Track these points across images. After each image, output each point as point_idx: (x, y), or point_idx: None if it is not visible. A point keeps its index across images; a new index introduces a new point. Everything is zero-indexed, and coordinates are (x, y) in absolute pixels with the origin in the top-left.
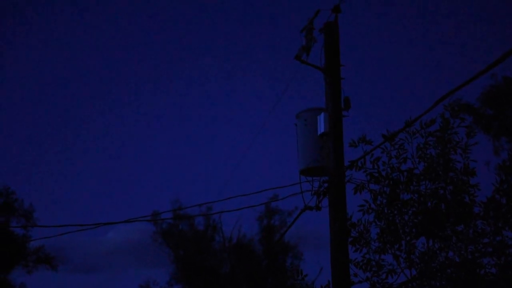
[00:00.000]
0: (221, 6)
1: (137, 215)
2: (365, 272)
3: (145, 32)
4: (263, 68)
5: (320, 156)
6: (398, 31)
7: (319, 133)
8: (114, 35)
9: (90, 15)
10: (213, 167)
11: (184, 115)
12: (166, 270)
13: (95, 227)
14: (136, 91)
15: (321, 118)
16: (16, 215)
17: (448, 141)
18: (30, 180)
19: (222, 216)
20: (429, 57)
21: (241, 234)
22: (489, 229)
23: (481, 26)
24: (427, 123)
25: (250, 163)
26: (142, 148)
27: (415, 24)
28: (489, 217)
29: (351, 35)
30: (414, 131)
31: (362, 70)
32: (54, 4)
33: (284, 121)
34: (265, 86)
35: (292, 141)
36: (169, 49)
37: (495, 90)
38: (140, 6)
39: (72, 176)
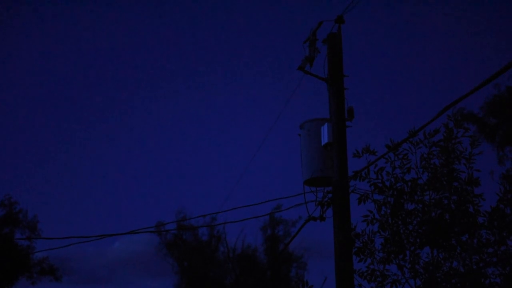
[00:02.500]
0: (225, 16)
1: (142, 226)
2: (369, 282)
3: (150, 43)
4: (266, 79)
5: (324, 167)
6: (402, 41)
7: (323, 143)
8: (120, 42)
9: (95, 16)
10: (217, 177)
11: (188, 126)
12: (170, 281)
13: (99, 239)
14: (140, 103)
15: (324, 129)
16: (20, 226)
17: (452, 151)
18: (34, 191)
19: (226, 226)
20: (433, 67)
21: (245, 245)
22: (494, 239)
23: (486, 33)
24: (431, 133)
25: (254, 174)
26: (146, 159)
27: (419, 34)
28: (494, 227)
29: (354, 46)
30: (418, 141)
31: (366, 81)
32: (56, 5)
33: (287, 131)
34: (269, 96)
35: (296, 152)
36: (174, 60)
37: (498, 100)
38: (148, 13)
39: (77, 186)
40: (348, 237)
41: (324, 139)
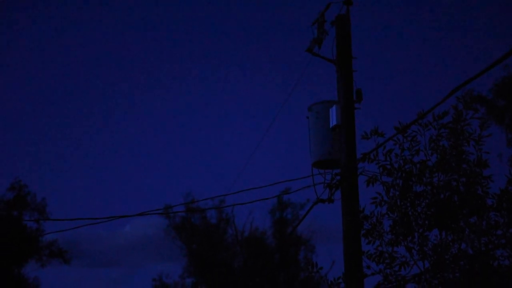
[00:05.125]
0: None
1: (151, 209)
2: (378, 264)
3: (157, 26)
4: (274, 61)
5: (332, 149)
6: (411, 22)
7: (331, 125)
8: (125, 30)
9: (96, 15)
10: (225, 160)
11: (196, 108)
12: (179, 264)
13: (107, 221)
14: (148, 85)
15: (333, 111)
16: (29, 209)
17: (461, 133)
18: (43, 175)
19: (234, 209)
20: (442, 49)
21: (253, 227)
22: (503, 220)
23: (497, 13)
24: (440, 115)
25: (262, 156)
26: (154, 141)
27: (428, 15)
28: (502, 209)
29: (362, 27)
30: (427, 123)
31: (374, 62)
32: (57, 5)
33: (296, 114)
34: (277, 78)
35: (304, 134)
36: (181, 42)
37: (508, 81)
38: (149, 4)
39: (86, 170)
40: (356, 219)
41: (333, 121)
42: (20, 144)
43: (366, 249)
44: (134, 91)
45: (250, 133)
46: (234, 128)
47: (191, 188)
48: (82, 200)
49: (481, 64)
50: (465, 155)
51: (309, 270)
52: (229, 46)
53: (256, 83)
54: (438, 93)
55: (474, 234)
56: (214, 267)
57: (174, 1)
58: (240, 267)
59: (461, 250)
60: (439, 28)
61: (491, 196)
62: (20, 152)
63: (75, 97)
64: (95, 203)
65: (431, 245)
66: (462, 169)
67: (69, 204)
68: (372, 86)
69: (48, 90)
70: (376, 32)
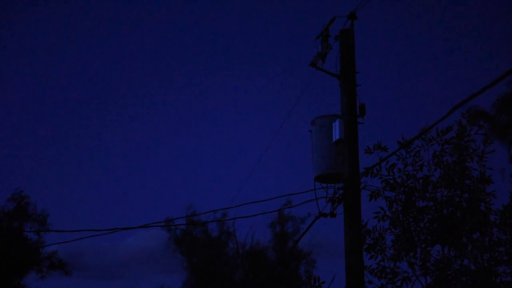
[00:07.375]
0: (236, 12)
1: (153, 222)
2: (380, 279)
3: (162, 38)
4: (278, 75)
5: (335, 163)
6: (414, 37)
7: (334, 139)
8: (132, 34)
9: (96, 16)
10: (227, 173)
11: (198, 122)
12: (180, 277)
13: (109, 233)
14: (150, 98)
15: (336, 125)
16: (30, 220)
17: (464, 149)
18: (45, 186)
19: (235, 222)
20: (445, 64)
21: (254, 241)
22: (505, 237)
23: (500, 29)
24: (444, 130)
25: (264, 170)
26: (156, 154)
27: (431, 30)
28: (505, 225)
29: (366, 42)
30: (430, 138)
31: (378, 77)
32: (55, 6)
33: (299, 127)
34: (280, 92)
35: (307, 148)
36: (184, 55)
37: (510, 97)
38: (153, 6)
39: (87, 182)
40: (358, 233)
41: (336, 135)
42: (21, 155)
43: (368, 264)
44: (135, 103)
45: (253, 146)
46: (236, 142)
47: (192, 201)
48: (83, 211)
49: (485, 78)
50: (468, 171)
51: (310, 284)
52: (233, 59)
53: (259, 96)
54: (441, 108)
55: (476, 250)
56: (214, 280)
57: (181, 14)
58: (241, 281)
59: (464, 266)
60: (443, 43)
61: (494, 212)
62: (21, 163)
63: (77, 108)
64: (96, 215)
65: (433, 260)
66: (465, 185)
67: (71, 215)
68: (376, 101)
69: (49, 100)
70: (380, 47)
